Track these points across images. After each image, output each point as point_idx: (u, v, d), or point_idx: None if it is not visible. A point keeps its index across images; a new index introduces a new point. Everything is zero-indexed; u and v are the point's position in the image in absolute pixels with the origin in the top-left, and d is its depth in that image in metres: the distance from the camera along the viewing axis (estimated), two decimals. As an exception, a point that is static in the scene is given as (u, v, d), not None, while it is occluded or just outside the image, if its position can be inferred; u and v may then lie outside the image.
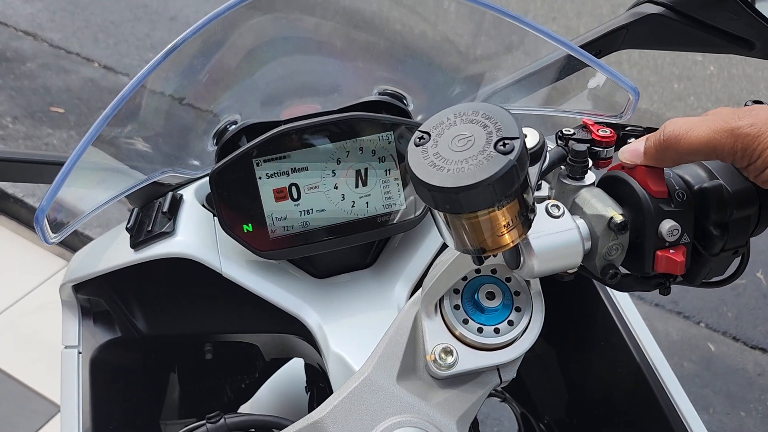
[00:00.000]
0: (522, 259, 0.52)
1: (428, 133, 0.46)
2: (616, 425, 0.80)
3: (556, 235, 0.52)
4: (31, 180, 0.72)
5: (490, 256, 0.49)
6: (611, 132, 0.60)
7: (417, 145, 0.45)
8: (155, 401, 0.86)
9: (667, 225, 0.52)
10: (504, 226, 0.46)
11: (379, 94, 0.72)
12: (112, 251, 0.71)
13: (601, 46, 0.74)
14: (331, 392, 0.57)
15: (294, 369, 0.95)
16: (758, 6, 0.67)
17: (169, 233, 0.67)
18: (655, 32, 0.72)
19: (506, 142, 0.43)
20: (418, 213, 0.69)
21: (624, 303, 0.77)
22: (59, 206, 0.60)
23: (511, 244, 0.47)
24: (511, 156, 0.42)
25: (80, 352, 0.75)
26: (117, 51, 3.19)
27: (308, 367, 0.90)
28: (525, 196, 0.46)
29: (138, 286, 0.73)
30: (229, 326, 0.74)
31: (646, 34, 0.73)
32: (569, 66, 0.70)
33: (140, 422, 0.80)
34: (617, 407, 0.80)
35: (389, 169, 0.67)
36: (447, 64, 0.72)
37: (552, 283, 0.59)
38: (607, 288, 0.78)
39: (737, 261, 0.59)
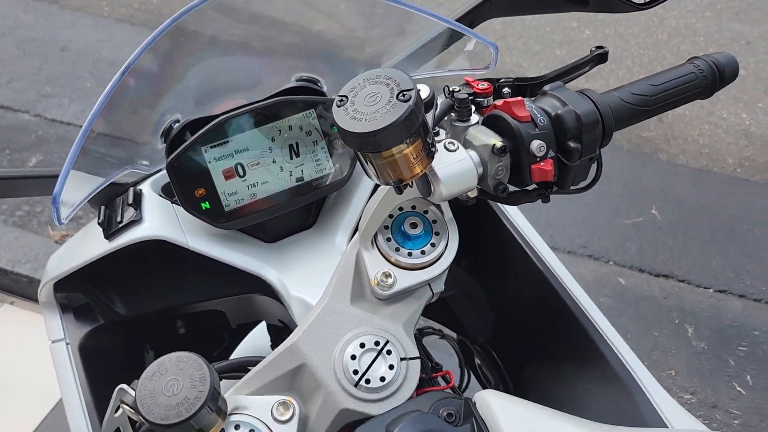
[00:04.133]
0: (432, 187, 0.67)
1: (345, 96, 0.59)
2: (537, 330, 0.95)
3: (455, 164, 0.66)
4: (34, 194, 0.81)
5: (407, 184, 0.63)
6: (488, 85, 0.76)
7: (339, 106, 0.59)
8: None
9: (535, 144, 0.67)
10: (414, 158, 0.60)
11: (297, 80, 0.84)
12: (87, 246, 0.80)
13: (473, 18, 0.89)
14: None
15: (258, 336, 1.06)
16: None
17: (137, 221, 0.78)
18: (510, 2, 0.88)
19: (405, 93, 0.57)
20: (344, 174, 0.82)
21: (522, 224, 0.93)
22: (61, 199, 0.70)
23: (420, 173, 0.61)
24: (410, 102, 0.56)
25: (68, 343, 0.84)
26: (12, 89, 3.17)
27: (270, 329, 1.02)
28: (426, 135, 0.61)
29: (112, 274, 0.82)
30: (198, 296, 0.85)
31: (505, 4, 0.88)
32: (450, 36, 0.85)
33: None
34: (534, 314, 0.95)
35: (316, 140, 0.80)
36: (350, 49, 0.85)
37: (463, 215, 0.74)
38: (507, 214, 0.93)
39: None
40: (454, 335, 1.08)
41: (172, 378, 0.50)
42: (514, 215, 0.92)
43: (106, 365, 0.86)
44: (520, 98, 0.69)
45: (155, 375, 0.49)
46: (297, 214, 0.83)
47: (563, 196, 0.73)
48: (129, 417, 0.57)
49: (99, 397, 0.81)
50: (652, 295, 2.47)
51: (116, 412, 0.58)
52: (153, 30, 0.72)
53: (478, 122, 0.71)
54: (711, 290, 2.47)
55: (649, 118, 0.76)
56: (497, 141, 0.67)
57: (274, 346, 1.02)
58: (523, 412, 0.62)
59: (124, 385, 0.55)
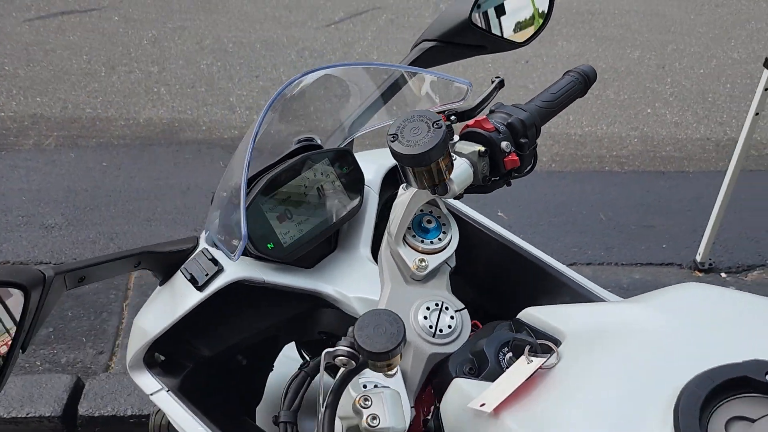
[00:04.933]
0: (447, 187, 0.95)
1: (395, 133, 0.85)
2: (509, 289, 1.19)
3: (460, 168, 0.95)
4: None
5: (441, 186, 0.90)
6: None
7: (393, 141, 0.85)
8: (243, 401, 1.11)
9: (503, 144, 0.98)
10: (444, 167, 0.87)
11: (298, 142, 1.07)
12: (177, 304, 0.96)
13: (420, 65, 1.17)
14: None
15: (285, 357, 1.22)
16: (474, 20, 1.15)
17: (221, 270, 0.95)
18: (434, 56, 1.18)
19: (437, 123, 0.84)
20: (357, 203, 1.07)
21: (475, 215, 1.21)
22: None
23: (448, 178, 0.89)
24: (443, 128, 0.84)
25: (168, 390, 0.99)
26: None
27: (303, 347, 1.20)
28: (449, 151, 0.88)
29: (198, 321, 0.98)
30: (265, 323, 1.03)
31: (432, 57, 1.17)
32: (397, 84, 1.12)
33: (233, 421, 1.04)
34: (504, 277, 1.19)
35: (333, 181, 1.04)
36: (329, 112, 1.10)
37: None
38: (464, 210, 1.22)
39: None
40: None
41: (375, 326, 0.70)
42: (468, 211, 1.21)
43: (209, 400, 1.01)
44: (484, 117, 1.00)
45: (364, 328, 0.70)
46: (325, 242, 1.05)
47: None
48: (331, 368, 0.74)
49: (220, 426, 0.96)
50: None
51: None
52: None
53: (459, 139, 1.00)
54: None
55: (555, 116, 1.10)
56: (480, 147, 0.97)
57: (309, 358, 1.21)
58: (563, 310, 0.88)
59: (328, 349, 0.73)
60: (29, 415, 2.03)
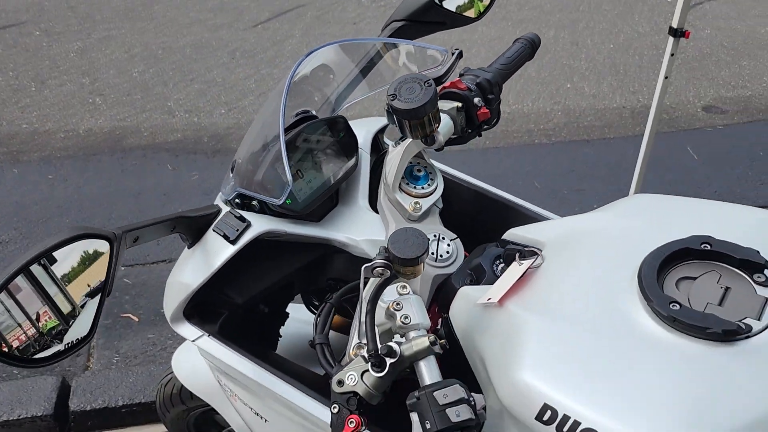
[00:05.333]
0: (435, 138, 1.11)
1: (394, 93, 1.01)
2: (481, 228, 1.35)
3: (443, 121, 1.11)
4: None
5: (430, 137, 1.07)
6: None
7: (393, 99, 1.00)
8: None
9: (476, 99, 1.15)
10: (434, 119, 1.04)
11: (297, 114, 1.21)
12: (212, 258, 1.08)
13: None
14: None
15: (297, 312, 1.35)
16: (445, 5, 1.32)
17: (249, 226, 1.08)
18: (403, 33, 1.33)
19: (428, 82, 1.01)
20: (352, 162, 1.22)
21: (440, 166, 1.38)
22: None
23: (437, 128, 1.05)
24: (433, 86, 1.00)
25: (209, 335, 1.11)
26: None
27: (310, 301, 1.33)
28: (437, 107, 1.05)
29: (229, 272, 1.10)
30: (285, 270, 1.16)
31: (402, 35, 1.33)
32: (386, 54, 1.27)
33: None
34: (478, 219, 1.35)
35: (332, 144, 1.18)
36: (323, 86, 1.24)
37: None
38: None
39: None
40: None
41: (404, 239, 0.85)
42: (443, 168, 1.37)
43: (240, 343, 1.13)
44: (458, 79, 1.17)
45: (396, 242, 0.85)
46: (328, 199, 1.19)
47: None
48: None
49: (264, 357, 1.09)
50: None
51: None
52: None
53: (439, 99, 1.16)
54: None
55: (511, 76, 1.28)
56: (457, 104, 1.14)
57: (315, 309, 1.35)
58: (540, 225, 1.06)
59: (366, 264, 0.87)
60: (21, 417, 2.08)
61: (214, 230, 1.10)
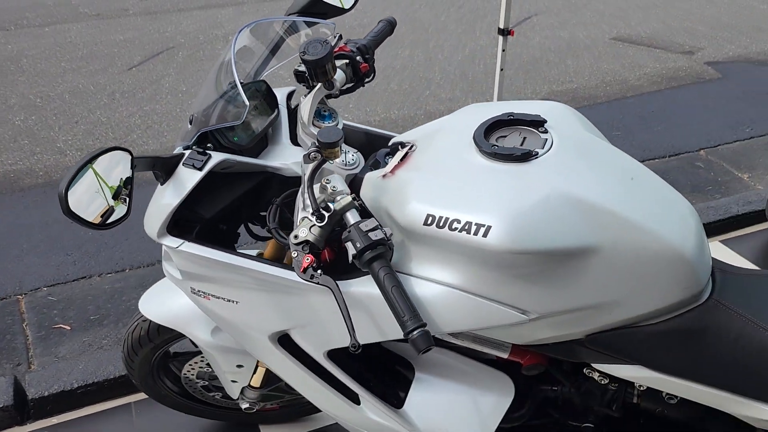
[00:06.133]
0: (334, 83, 1.52)
1: (304, 51, 1.42)
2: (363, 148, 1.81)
3: (338, 72, 1.54)
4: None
5: (330, 82, 1.48)
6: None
7: (303, 55, 1.41)
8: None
9: (357, 57, 1.59)
10: (332, 68, 1.46)
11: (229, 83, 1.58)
12: (181, 185, 1.38)
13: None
14: None
15: None
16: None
17: (210, 157, 1.40)
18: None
19: (326, 42, 1.42)
20: (276, 113, 1.60)
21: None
22: None
23: (333, 76, 1.48)
24: (329, 45, 1.42)
25: (189, 241, 1.43)
26: None
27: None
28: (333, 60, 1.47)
29: (196, 194, 1.40)
30: (235, 194, 1.49)
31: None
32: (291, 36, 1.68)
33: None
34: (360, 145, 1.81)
35: (261, 100, 1.58)
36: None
37: None
38: None
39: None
40: None
41: (327, 133, 1.29)
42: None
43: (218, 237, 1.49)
44: (343, 44, 1.61)
45: (322, 134, 1.27)
46: (260, 140, 1.56)
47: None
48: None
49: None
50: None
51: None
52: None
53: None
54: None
55: (380, 45, 1.73)
56: (346, 61, 1.57)
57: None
58: (417, 130, 1.53)
59: (304, 153, 1.27)
60: (-20, 413, 2.25)
61: (183, 164, 1.45)
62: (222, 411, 2.23)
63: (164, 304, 1.79)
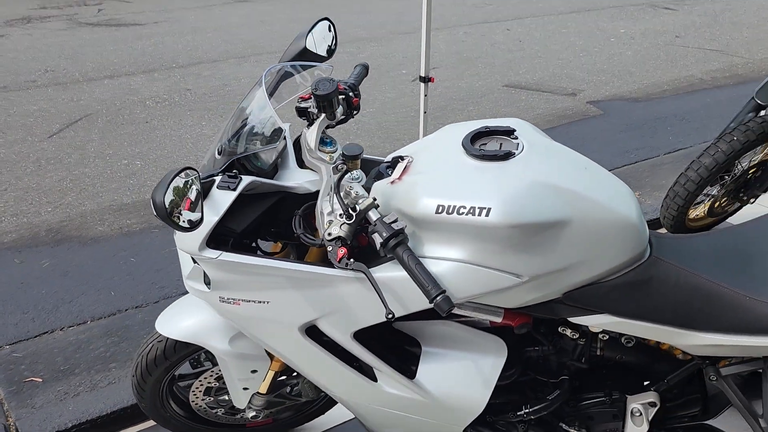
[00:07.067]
0: (336, 114, 1.83)
1: (316, 87, 1.72)
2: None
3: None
4: None
5: (332, 114, 1.79)
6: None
7: (315, 90, 1.72)
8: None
9: (351, 93, 1.91)
10: (337, 102, 1.77)
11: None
12: (219, 204, 1.61)
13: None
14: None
15: None
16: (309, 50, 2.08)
17: (240, 179, 1.65)
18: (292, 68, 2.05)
19: (333, 81, 1.74)
20: (282, 143, 1.88)
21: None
22: None
23: (339, 107, 1.79)
24: (335, 83, 1.73)
25: (226, 252, 1.66)
26: None
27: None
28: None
29: (228, 214, 1.62)
30: (255, 213, 1.72)
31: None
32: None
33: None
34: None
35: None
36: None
37: None
38: None
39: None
40: None
41: (349, 146, 1.59)
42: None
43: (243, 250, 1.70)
44: (339, 83, 1.93)
45: (346, 149, 1.57)
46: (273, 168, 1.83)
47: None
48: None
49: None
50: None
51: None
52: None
53: None
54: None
55: (360, 83, 2.06)
56: (342, 96, 1.88)
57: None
58: (405, 147, 1.86)
59: (332, 165, 1.57)
60: (-21, 461, 2.29)
61: (218, 187, 1.70)
62: (225, 430, 2.41)
63: (181, 321, 2.00)
